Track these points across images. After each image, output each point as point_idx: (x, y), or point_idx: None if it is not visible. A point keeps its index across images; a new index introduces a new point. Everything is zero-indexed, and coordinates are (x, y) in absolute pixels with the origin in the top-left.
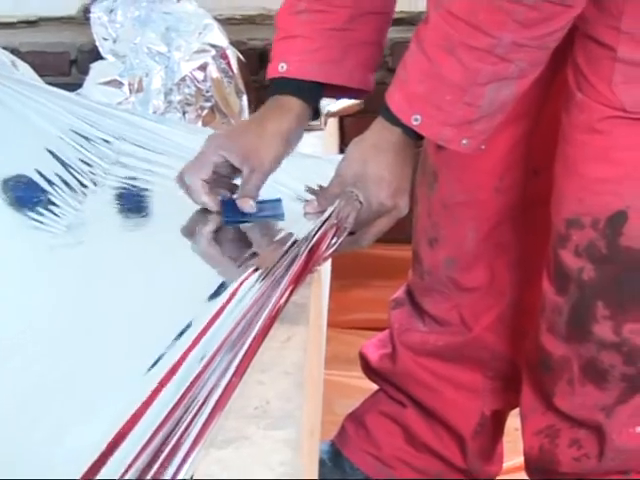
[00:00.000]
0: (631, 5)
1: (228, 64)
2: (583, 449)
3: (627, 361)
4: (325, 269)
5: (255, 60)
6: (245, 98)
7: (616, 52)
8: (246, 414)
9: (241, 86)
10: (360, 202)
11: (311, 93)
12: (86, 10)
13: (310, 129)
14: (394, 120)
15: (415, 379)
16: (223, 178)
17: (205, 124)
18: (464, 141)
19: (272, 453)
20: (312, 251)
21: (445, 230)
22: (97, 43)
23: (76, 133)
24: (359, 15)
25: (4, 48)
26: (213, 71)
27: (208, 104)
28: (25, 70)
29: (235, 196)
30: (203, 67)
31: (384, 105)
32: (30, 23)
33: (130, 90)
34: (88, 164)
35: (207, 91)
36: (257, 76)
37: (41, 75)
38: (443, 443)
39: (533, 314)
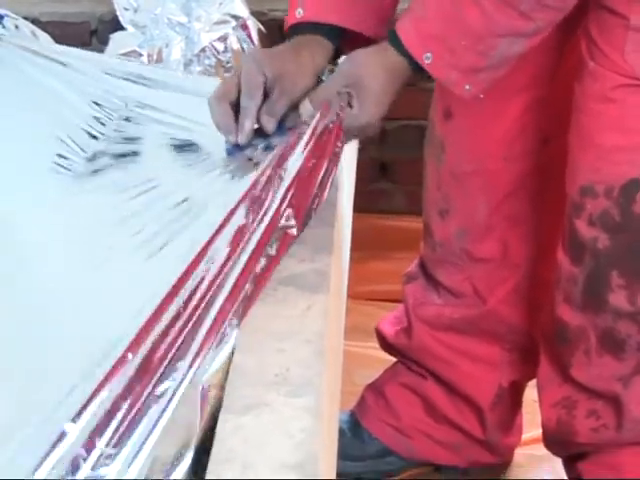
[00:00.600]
0: None
1: (249, 35)
2: (601, 420)
3: None
4: (344, 238)
5: (276, 31)
6: None
7: (629, 20)
8: (266, 381)
9: None
10: (351, 106)
11: (329, 35)
12: None
13: None
14: (402, 51)
15: (432, 353)
16: None
17: None
18: (467, 86)
19: (292, 420)
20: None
21: (455, 201)
22: (118, 13)
23: (91, 96)
24: None
25: (24, 18)
26: (234, 42)
27: (227, 75)
28: (45, 40)
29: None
30: (223, 38)
31: (393, 33)
32: None
33: (149, 61)
34: (102, 123)
35: (227, 62)
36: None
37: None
38: (462, 415)
39: (549, 286)
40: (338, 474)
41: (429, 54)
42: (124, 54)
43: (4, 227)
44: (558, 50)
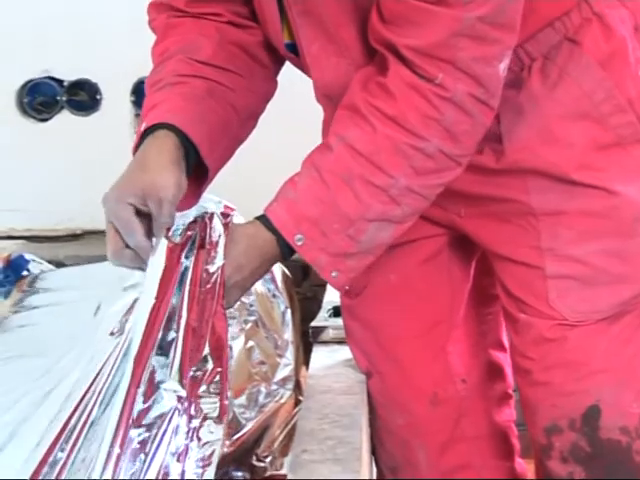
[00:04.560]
0: (544, 222)
1: (272, 279)
2: None
3: None
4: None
5: (299, 272)
6: (289, 312)
7: (544, 270)
8: None
9: (286, 300)
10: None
11: (172, 130)
12: None
13: None
14: (272, 229)
15: None
16: None
17: (248, 338)
18: (334, 273)
19: None
20: None
21: (398, 457)
22: None
23: None
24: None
25: (48, 262)
26: (257, 285)
27: (252, 318)
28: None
29: None
30: None
31: (264, 216)
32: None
33: None
34: None
35: (251, 305)
36: (300, 288)
37: None
38: None
39: None
40: None
41: (301, 236)
42: None
43: None
44: (458, 287)
